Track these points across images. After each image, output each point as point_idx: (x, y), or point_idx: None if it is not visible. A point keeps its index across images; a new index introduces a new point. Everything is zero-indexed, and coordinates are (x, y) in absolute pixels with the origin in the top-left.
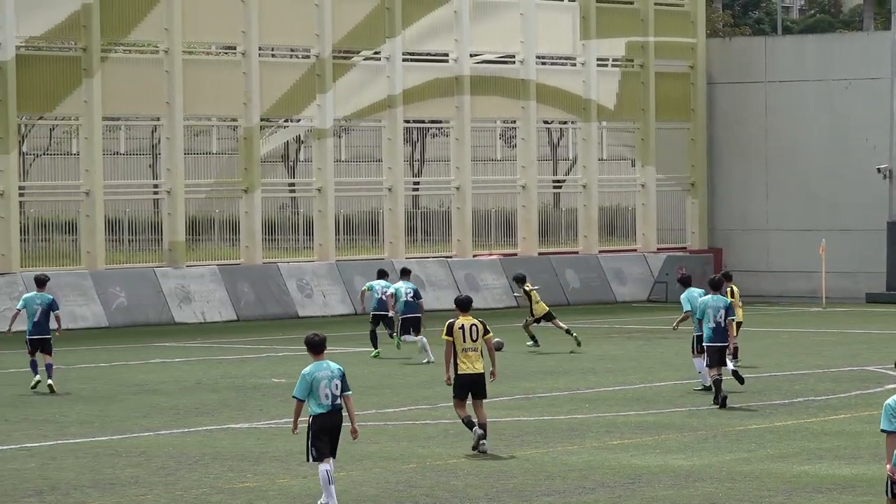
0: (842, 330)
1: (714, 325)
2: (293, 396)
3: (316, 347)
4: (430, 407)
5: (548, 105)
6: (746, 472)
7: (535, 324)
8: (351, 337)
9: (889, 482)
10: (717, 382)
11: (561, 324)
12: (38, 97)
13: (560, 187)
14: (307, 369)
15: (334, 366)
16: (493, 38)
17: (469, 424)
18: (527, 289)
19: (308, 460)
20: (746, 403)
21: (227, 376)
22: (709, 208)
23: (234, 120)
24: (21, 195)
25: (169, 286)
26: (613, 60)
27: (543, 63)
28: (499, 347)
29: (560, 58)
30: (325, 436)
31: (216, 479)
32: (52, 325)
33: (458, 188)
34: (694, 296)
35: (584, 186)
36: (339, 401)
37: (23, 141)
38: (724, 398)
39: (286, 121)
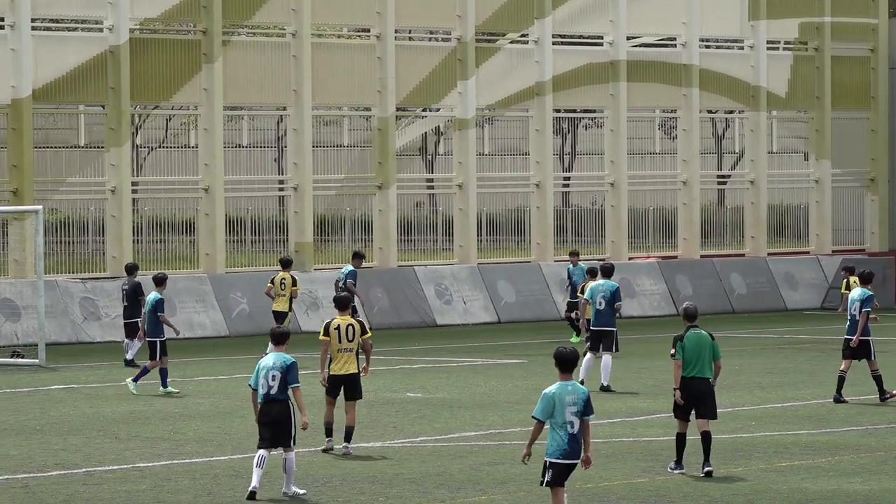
0: None
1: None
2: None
3: (277, 339)
4: None
5: (712, 92)
6: None
7: None
8: (495, 347)
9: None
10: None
11: None
12: (154, 85)
13: (725, 183)
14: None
15: (288, 358)
16: (652, 18)
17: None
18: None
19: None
20: None
21: None
22: (890, 206)
23: (368, 109)
24: (134, 192)
25: None
26: (785, 43)
27: (707, 46)
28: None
29: (726, 40)
30: (265, 426)
31: (346, 502)
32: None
33: (612, 184)
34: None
35: (751, 182)
36: (275, 391)
37: (136, 133)
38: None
39: (424, 110)
